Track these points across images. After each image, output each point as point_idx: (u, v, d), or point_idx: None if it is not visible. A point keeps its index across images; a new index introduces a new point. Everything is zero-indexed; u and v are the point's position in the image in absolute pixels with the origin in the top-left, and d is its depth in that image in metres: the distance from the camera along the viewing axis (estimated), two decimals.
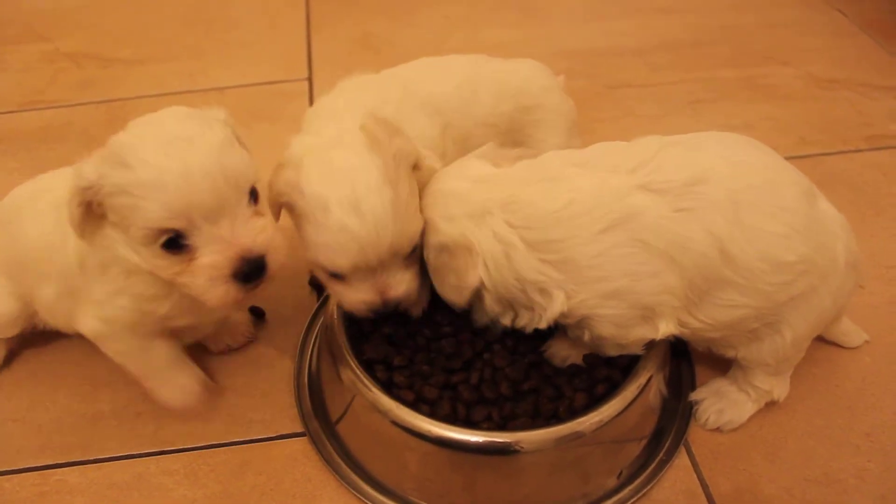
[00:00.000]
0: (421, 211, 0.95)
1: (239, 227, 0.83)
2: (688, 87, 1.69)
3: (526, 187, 0.90)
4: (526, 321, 0.92)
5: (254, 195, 0.86)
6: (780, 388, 1.01)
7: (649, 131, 0.94)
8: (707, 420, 1.03)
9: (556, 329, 0.98)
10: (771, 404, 1.03)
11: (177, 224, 0.80)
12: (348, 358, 0.97)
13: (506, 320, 0.94)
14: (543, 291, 0.88)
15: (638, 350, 0.95)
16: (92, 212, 0.84)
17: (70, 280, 0.95)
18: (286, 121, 1.62)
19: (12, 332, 1.13)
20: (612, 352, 0.96)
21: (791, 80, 1.71)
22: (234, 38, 1.92)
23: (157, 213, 0.79)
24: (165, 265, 0.84)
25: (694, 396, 1.06)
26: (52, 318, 1.06)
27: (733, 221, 0.84)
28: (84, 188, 0.82)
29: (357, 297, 0.94)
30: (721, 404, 1.03)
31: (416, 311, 1.03)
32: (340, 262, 0.89)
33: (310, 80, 1.75)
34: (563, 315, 0.89)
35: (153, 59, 1.86)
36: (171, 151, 0.79)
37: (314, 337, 1.16)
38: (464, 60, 1.22)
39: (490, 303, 0.93)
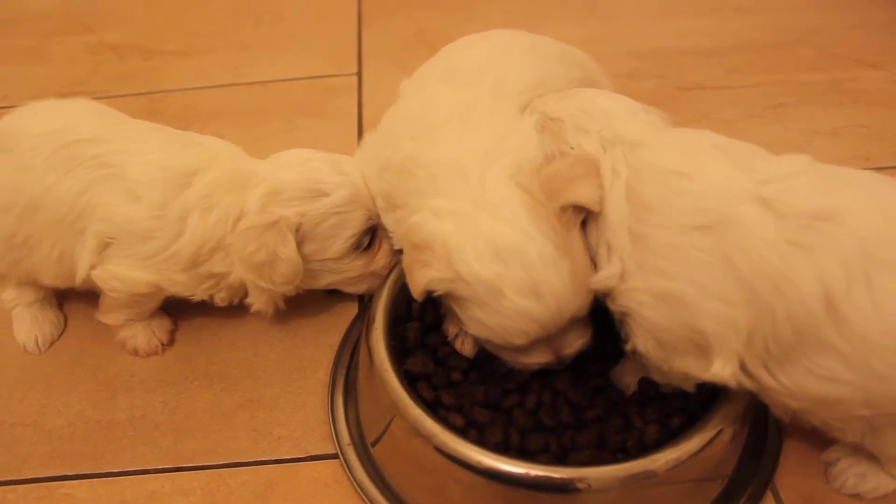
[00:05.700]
0: None
1: None
2: (767, 90, 1.55)
3: (659, 138, 0.81)
4: None
5: None
6: None
7: (726, 135, 0.82)
8: (845, 484, 0.86)
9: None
10: None
11: (374, 220, 1.01)
12: (389, 373, 0.87)
13: None
14: (610, 249, 0.77)
15: (687, 386, 0.83)
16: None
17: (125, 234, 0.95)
18: (331, 116, 1.54)
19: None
20: (657, 377, 0.86)
21: (883, 84, 1.55)
22: (282, 30, 1.85)
23: (363, 215, 0.99)
24: (360, 265, 1.02)
25: (827, 456, 0.89)
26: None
27: (857, 277, 0.67)
28: (294, 231, 0.94)
29: (531, 360, 0.85)
30: (863, 466, 0.85)
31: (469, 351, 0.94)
32: (518, 341, 0.81)
33: (359, 75, 1.66)
34: (609, 295, 0.78)
35: (198, 51, 1.79)
36: (342, 168, 0.99)
37: (352, 348, 1.06)
38: (509, 34, 1.09)
39: None
